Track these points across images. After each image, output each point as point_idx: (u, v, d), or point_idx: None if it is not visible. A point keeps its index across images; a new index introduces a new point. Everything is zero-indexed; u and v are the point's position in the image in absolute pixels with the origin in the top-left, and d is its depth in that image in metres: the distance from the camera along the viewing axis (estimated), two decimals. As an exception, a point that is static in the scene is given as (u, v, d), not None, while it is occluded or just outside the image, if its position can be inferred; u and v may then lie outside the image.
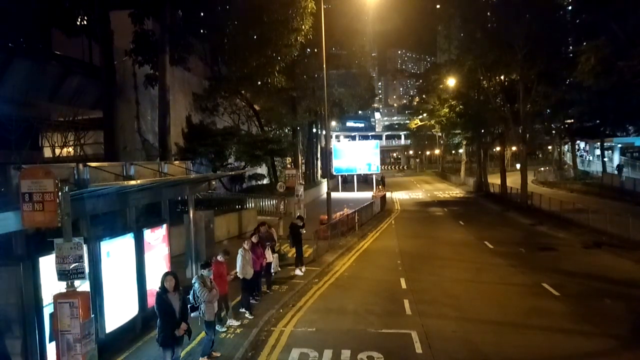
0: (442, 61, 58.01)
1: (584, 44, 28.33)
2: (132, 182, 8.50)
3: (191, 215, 12.12)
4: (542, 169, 56.86)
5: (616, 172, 38.16)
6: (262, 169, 35.47)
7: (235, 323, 10.15)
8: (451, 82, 41.93)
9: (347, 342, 9.30)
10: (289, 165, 38.62)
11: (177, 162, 14.54)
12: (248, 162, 28.95)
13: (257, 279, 11.81)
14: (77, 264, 5.82)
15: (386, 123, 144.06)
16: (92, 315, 6.14)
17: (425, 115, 61.40)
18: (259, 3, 26.54)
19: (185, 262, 12.29)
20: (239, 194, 26.83)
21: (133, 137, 25.31)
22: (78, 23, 23.84)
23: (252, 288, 11.54)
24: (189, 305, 7.92)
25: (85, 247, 5.99)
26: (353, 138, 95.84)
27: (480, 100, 40.32)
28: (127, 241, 9.12)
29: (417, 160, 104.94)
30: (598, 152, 47.35)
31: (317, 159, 50.42)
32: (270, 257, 13.02)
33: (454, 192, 48.96)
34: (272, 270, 13.62)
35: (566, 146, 56.22)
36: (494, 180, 42.07)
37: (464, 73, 37.00)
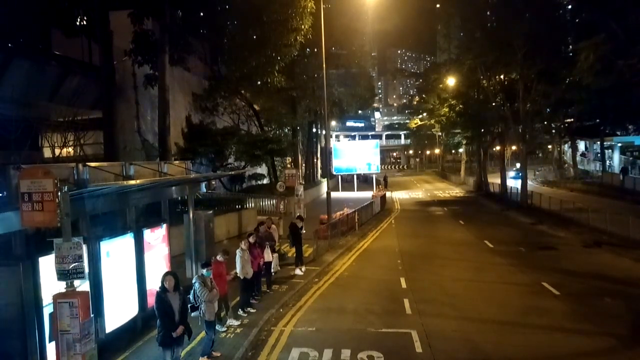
0: (442, 60, 58.13)
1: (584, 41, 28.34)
2: (132, 182, 8.49)
3: (191, 215, 12.11)
4: (542, 168, 56.86)
5: (620, 175, 37.87)
6: (262, 169, 35.47)
7: (235, 323, 10.15)
8: (451, 81, 41.95)
9: (347, 342, 9.29)
10: (289, 165, 38.62)
11: (177, 162, 14.55)
12: (248, 162, 28.95)
13: (256, 279, 11.81)
14: (76, 263, 5.82)
15: (386, 123, 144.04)
16: (92, 315, 6.14)
17: (425, 114, 61.47)
18: (259, 3, 26.53)
19: (185, 262, 12.29)
20: (239, 194, 26.81)
21: (133, 137, 25.31)
22: (77, 23, 23.87)
23: (251, 288, 11.55)
24: (189, 305, 7.92)
25: (85, 247, 5.99)
26: (353, 138, 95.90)
27: (480, 99, 40.32)
28: (127, 241, 9.11)
29: (417, 159, 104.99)
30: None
31: (317, 158, 50.43)
32: (270, 256, 13.03)
33: (454, 191, 48.95)
34: (272, 270, 13.63)
35: (566, 145, 56.22)
36: (494, 179, 42.07)
37: (464, 72, 37.03)
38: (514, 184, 36.30)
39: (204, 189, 13.64)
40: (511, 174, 41.51)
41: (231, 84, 30.89)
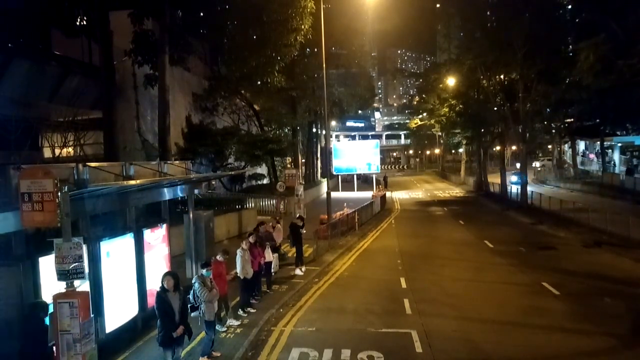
0: (442, 60, 58.07)
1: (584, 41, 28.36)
2: (132, 182, 8.50)
3: (191, 215, 12.12)
4: (542, 167, 56.79)
5: (623, 175, 37.68)
6: (262, 169, 35.47)
7: (235, 323, 10.15)
8: (451, 81, 41.93)
9: (347, 342, 9.29)
10: (289, 165, 38.63)
11: (177, 162, 14.55)
12: (248, 162, 28.95)
13: (256, 279, 11.81)
14: (76, 263, 5.82)
15: (386, 123, 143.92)
16: (92, 315, 6.14)
17: (425, 114, 61.44)
18: (259, 3, 26.52)
19: (185, 262, 12.29)
20: (239, 194, 26.82)
21: (133, 137, 25.30)
22: (77, 23, 23.85)
23: (251, 288, 11.55)
24: (189, 305, 7.92)
25: (85, 247, 5.99)
26: (353, 138, 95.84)
27: (480, 99, 40.33)
28: (127, 241, 9.11)
29: (417, 159, 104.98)
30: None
31: (317, 158, 50.44)
32: (270, 256, 13.03)
33: (454, 191, 48.95)
34: (271, 270, 13.63)
35: (566, 145, 56.21)
36: (494, 179, 42.06)
37: (464, 72, 37.03)
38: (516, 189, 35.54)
39: (204, 189, 13.65)
40: (513, 178, 39.10)
41: (231, 84, 30.90)
